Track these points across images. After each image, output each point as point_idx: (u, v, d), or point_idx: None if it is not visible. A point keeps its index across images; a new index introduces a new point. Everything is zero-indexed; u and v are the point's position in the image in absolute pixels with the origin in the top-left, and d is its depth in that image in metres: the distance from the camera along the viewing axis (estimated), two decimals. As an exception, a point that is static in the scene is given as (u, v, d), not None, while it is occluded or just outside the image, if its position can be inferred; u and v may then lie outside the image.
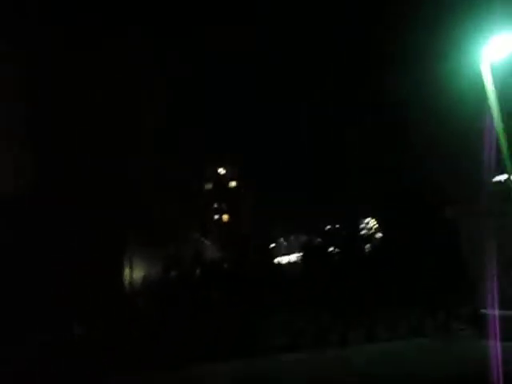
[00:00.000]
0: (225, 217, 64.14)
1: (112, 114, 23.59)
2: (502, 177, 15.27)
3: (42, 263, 18.27)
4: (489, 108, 13.16)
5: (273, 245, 57.72)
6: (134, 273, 21.45)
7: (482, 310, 10.35)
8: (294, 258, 49.21)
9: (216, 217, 64.11)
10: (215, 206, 62.87)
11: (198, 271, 23.21)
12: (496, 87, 13.30)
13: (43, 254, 18.52)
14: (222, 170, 65.93)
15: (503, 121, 12.96)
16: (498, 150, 13.79)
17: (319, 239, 34.41)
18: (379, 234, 37.16)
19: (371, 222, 43.41)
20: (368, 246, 30.08)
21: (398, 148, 27.03)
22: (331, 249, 29.66)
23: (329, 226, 41.44)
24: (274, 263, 34.98)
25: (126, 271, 20.65)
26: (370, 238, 34.60)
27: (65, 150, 22.03)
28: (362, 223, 42.74)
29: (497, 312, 9.58)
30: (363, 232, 39.49)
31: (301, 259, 34.75)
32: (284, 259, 52.50)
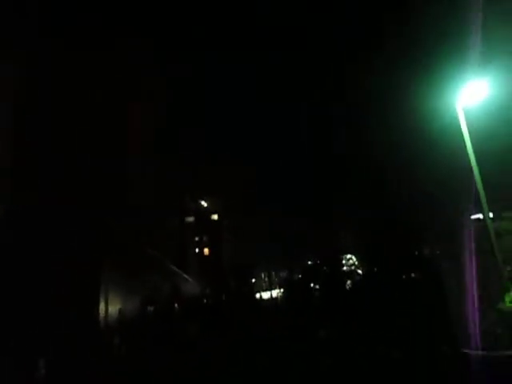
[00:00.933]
0: (206, 250, 63.24)
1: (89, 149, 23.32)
2: (480, 215, 15.66)
3: (11, 295, 17.44)
4: (465, 149, 13.67)
5: (253, 280, 56.85)
6: (110, 306, 20.67)
7: (464, 350, 10.32)
8: (275, 293, 48.41)
9: (197, 250, 63.16)
10: (196, 239, 62.11)
11: (176, 306, 22.55)
12: (471, 130, 13.90)
13: (13, 285, 17.73)
14: (204, 203, 65.63)
15: (477, 160, 13.47)
16: (475, 190, 14.23)
17: (300, 275, 34.20)
18: (359, 271, 37.15)
19: (352, 259, 43.42)
20: (349, 282, 30.02)
21: (378, 189, 27.65)
22: (312, 285, 29.46)
23: (310, 262, 41.27)
24: (255, 298, 34.37)
25: (102, 305, 19.88)
26: (351, 274, 34.51)
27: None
28: (344, 259, 42.70)
29: (479, 352, 9.55)
30: (344, 268, 39.36)
31: (281, 295, 34.27)
32: (265, 294, 51.62)
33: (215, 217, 67.28)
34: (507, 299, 10.91)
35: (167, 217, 42.44)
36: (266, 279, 61.94)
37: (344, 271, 33.20)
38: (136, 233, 27.50)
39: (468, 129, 14.11)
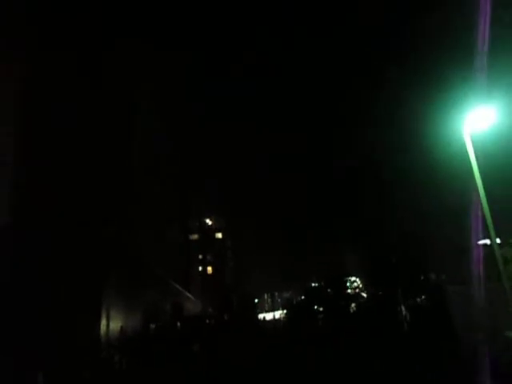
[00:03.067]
0: (209, 269, 62.87)
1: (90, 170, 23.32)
2: (487, 241, 15.55)
3: (11, 309, 17.35)
4: (472, 176, 13.70)
5: (256, 300, 56.25)
6: (112, 323, 20.50)
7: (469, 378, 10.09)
8: (277, 314, 47.75)
9: (200, 268, 62.76)
10: (200, 257, 61.83)
11: (178, 324, 22.34)
12: (478, 156, 13.95)
13: (14, 299, 17.67)
14: (208, 221, 65.62)
15: (485, 188, 13.47)
16: (482, 216, 14.19)
17: (303, 297, 33.79)
18: (364, 294, 36.63)
19: (357, 281, 42.91)
20: (353, 305, 29.57)
21: (385, 212, 27.63)
22: (316, 307, 29.06)
23: (314, 284, 40.81)
24: (258, 319, 33.94)
25: (103, 322, 19.73)
26: (355, 296, 34.04)
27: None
28: (348, 281, 42.23)
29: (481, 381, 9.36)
30: (349, 291, 38.85)
31: (284, 317, 33.81)
32: (268, 315, 50.96)
33: (219, 235, 67.20)
34: (515, 327, 10.75)
35: (171, 234, 42.41)
36: (269, 300, 61.24)
37: (348, 294, 32.76)
38: (139, 250, 27.49)
39: (476, 154, 14.18)
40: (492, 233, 13.00)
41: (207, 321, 23.67)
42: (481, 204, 13.96)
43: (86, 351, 16.33)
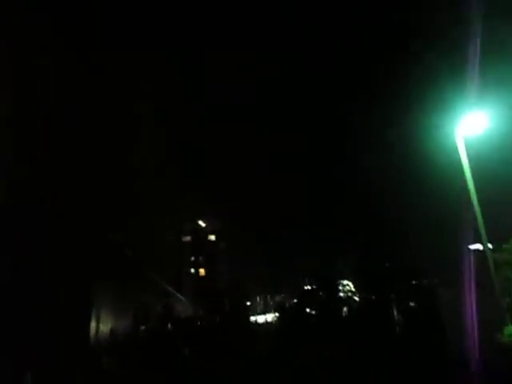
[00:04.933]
0: (201, 271, 62.55)
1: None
2: (479, 245, 15.60)
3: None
4: (464, 180, 13.75)
5: (249, 303, 56.09)
6: (102, 326, 20.25)
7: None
8: (270, 317, 47.62)
9: (192, 270, 62.50)
10: (192, 259, 61.53)
11: (169, 326, 22.13)
12: (471, 161, 14.01)
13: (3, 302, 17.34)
14: (201, 223, 65.33)
15: (477, 192, 13.51)
16: (475, 220, 14.23)
17: (295, 300, 33.80)
18: (356, 298, 36.71)
19: (349, 285, 43.00)
20: (345, 308, 29.60)
21: (377, 216, 27.69)
22: (308, 310, 29.05)
23: (306, 287, 40.82)
24: (249, 322, 33.83)
25: (93, 324, 19.49)
26: (348, 300, 34.09)
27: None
28: (340, 285, 42.28)
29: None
30: (341, 294, 38.91)
31: (276, 319, 33.74)
32: (260, 318, 50.82)
33: (212, 237, 66.89)
34: (506, 333, 10.76)
35: (163, 235, 42.15)
36: (261, 303, 61.12)
37: (340, 297, 32.81)
38: (131, 251, 27.24)
39: (468, 159, 14.24)
40: (484, 237, 13.04)
41: (198, 323, 23.49)
42: (473, 208, 14.02)
43: (74, 353, 16.11)
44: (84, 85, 23.79)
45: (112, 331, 20.46)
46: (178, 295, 41.72)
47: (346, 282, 43.57)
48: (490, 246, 18.02)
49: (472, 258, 15.68)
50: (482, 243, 13.63)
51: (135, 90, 32.54)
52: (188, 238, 58.74)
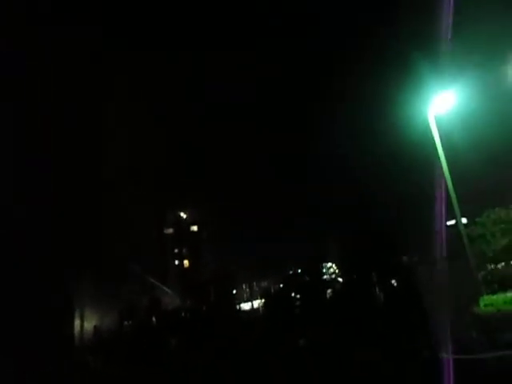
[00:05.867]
0: (186, 262, 62.41)
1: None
2: (453, 221, 16.00)
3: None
4: (437, 157, 14.00)
5: (235, 291, 56.35)
6: (86, 323, 20.03)
7: (440, 354, 10.39)
8: (256, 304, 48.02)
9: (176, 262, 62.31)
10: (176, 251, 61.29)
11: (154, 319, 22.07)
12: (442, 137, 14.26)
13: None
14: (183, 214, 64.95)
15: (449, 168, 13.81)
16: (448, 197, 14.56)
17: (281, 285, 34.06)
18: (340, 279, 37.25)
19: (333, 267, 43.60)
20: (329, 291, 30.01)
21: (355, 197, 28.03)
22: (293, 294, 29.32)
23: (291, 272, 41.18)
24: (236, 309, 34.02)
25: (76, 322, 19.25)
26: (332, 282, 34.55)
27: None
28: (324, 268, 42.85)
29: (451, 356, 9.64)
30: (325, 277, 39.42)
31: (262, 306, 34.00)
32: (246, 305, 51.19)
33: (195, 228, 66.68)
34: (481, 303, 11.11)
35: (146, 228, 41.82)
36: (248, 290, 61.52)
37: (324, 280, 33.21)
38: (114, 245, 26.93)
39: (441, 136, 14.48)
40: (457, 213, 13.37)
41: (183, 314, 23.48)
42: (447, 186, 14.31)
43: (58, 351, 15.91)
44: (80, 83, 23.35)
45: (96, 329, 20.26)
46: (164, 288, 41.60)
47: (329, 264, 44.11)
48: (464, 220, 18.56)
49: (447, 233, 16.06)
50: (456, 219, 13.98)
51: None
52: (170, 231, 58.44)
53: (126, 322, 20.75)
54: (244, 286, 62.52)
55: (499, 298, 10.82)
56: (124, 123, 34.02)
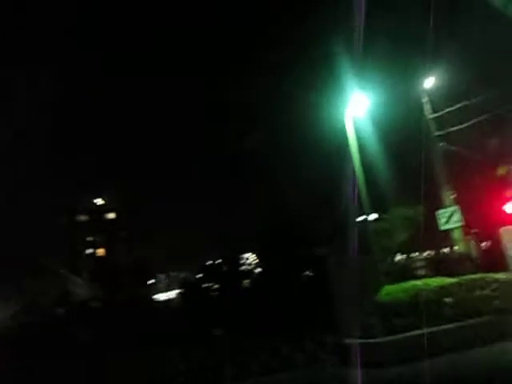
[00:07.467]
0: (100, 251, 59.28)
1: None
2: (364, 217, 17.19)
3: None
4: (350, 156, 14.87)
5: (152, 281, 54.97)
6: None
7: (346, 340, 11.10)
8: (173, 294, 47.37)
9: (91, 251, 58.95)
10: (89, 239, 57.89)
11: (61, 311, 20.71)
12: (357, 138, 15.17)
13: None
14: (98, 201, 61.45)
15: (363, 167, 14.78)
16: (359, 194, 15.55)
17: (200, 275, 34.03)
18: (258, 269, 38.16)
19: (251, 258, 44.50)
20: (247, 280, 30.60)
21: (270, 192, 28.69)
22: (211, 284, 29.44)
23: (210, 262, 41.24)
24: (151, 299, 33.30)
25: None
26: (249, 273, 35.23)
27: None
28: (243, 259, 43.57)
29: (358, 341, 10.35)
30: (244, 267, 40.11)
31: (179, 295, 33.67)
32: (163, 296, 50.29)
33: (111, 215, 63.52)
34: (383, 292, 12.08)
35: (53, 216, 39.03)
36: (165, 280, 60.42)
37: (242, 270, 33.79)
38: (14, 234, 24.78)
39: (356, 136, 15.37)
40: (365, 210, 14.39)
41: (94, 304, 22.37)
42: (359, 185, 15.29)
43: None
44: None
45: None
46: (76, 278, 39.27)
47: (248, 254, 44.89)
48: (376, 216, 20.05)
49: (358, 229, 17.14)
50: (364, 214, 15.03)
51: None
52: (83, 218, 55.07)
53: (25, 316, 19.20)
54: (163, 277, 61.31)
55: (398, 287, 11.85)
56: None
